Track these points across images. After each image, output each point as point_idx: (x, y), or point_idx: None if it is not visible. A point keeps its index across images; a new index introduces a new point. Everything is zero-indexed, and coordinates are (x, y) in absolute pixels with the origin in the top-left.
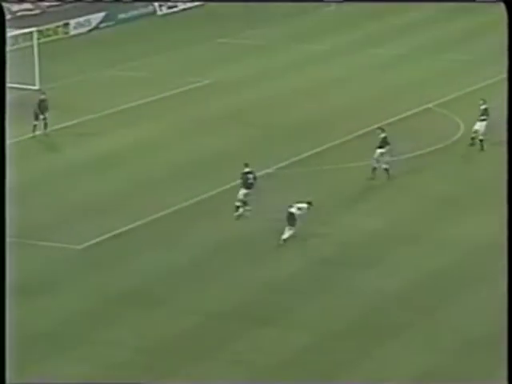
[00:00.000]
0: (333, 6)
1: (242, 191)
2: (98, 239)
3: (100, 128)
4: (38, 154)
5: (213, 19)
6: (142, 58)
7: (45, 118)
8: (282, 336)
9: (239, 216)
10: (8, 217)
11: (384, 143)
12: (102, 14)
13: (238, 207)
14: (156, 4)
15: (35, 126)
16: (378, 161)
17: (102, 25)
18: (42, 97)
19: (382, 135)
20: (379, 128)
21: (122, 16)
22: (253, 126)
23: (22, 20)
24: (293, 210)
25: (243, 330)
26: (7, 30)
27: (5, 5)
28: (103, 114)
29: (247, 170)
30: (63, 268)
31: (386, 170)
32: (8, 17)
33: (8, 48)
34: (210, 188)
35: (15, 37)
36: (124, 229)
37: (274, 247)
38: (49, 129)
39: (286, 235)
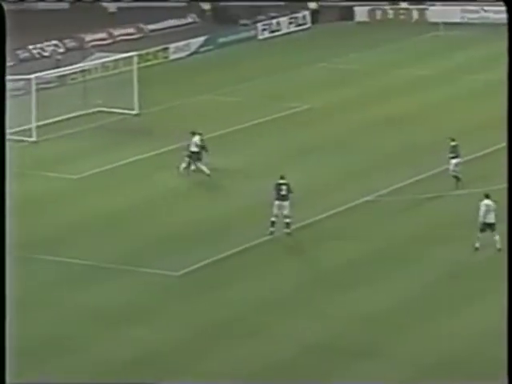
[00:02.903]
0: (441, 31)
1: (276, 203)
2: (196, 266)
3: None
4: (137, 179)
5: (315, 43)
6: (240, 83)
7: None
8: (382, 369)
9: (272, 232)
10: (108, 242)
11: (455, 152)
12: (202, 39)
13: (273, 222)
14: (259, 28)
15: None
16: (454, 170)
17: (202, 49)
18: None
19: (453, 144)
20: (450, 138)
21: (222, 40)
22: (353, 152)
23: (123, 44)
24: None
25: (342, 363)
26: (108, 54)
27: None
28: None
29: (282, 181)
30: (160, 295)
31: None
32: (109, 41)
33: (109, 72)
34: (308, 216)
35: (116, 61)
36: (222, 255)
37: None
38: (147, 154)
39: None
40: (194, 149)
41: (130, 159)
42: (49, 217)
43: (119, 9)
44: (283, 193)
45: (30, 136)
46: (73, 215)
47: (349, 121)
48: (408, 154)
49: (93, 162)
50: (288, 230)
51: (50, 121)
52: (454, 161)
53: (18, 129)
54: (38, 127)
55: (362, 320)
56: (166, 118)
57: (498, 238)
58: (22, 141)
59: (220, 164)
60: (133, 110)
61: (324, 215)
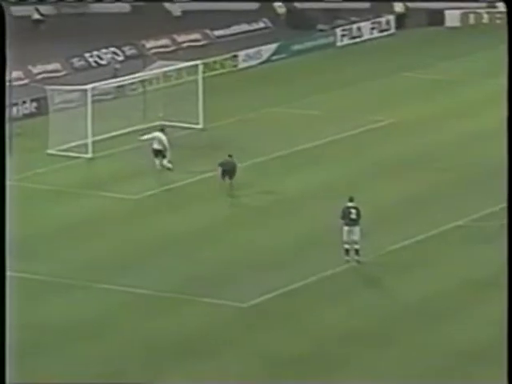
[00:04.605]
0: None
1: (345, 229)
2: (264, 297)
3: (269, 172)
4: (201, 200)
5: (400, 51)
6: (317, 94)
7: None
8: None
9: (348, 261)
10: (168, 269)
11: None
12: (274, 46)
13: (347, 250)
14: (338, 34)
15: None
16: None
17: (274, 57)
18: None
19: None
20: None
21: (297, 47)
22: (441, 171)
23: (187, 52)
24: None
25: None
26: (171, 62)
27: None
28: (273, 157)
29: (350, 204)
30: (225, 328)
31: None
32: (172, 48)
33: (172, 82)
34: (395, 241)
35: (180, 70)
36: (295, 286)
37: None
38: (212, 173)
39: None
40: (156, 146)
41: (194, 178)
42: (106, 241)
43: (184, 12)
44: (353, 217)
45: (86, 152)
46: (131, 239)
47: (437, 136)
48: (504, 173)
49: (153, 181)
50: (358, 258)
51: (107, 136)
52: None
53: (72, 144)
54: (94, 143)
55: (457, 355)
56: (234, 133)
57: None
58: (77, 157)
59: (290, 185)
60: (197, 124)
61: (408, 241)
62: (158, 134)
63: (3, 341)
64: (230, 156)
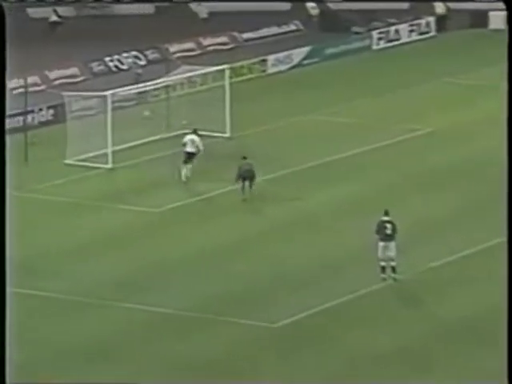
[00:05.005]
0: None
1: (380, 244)
2: (297, 316)
3: (300, 184)
4: (229, 214)
5: (440, 55)
6: (350, 101)
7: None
8: None
9: (384, 279)
10: (194, 286)
11: None
12: (306, 49)
13: (383, 267)
14: (374, 37)
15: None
16: None
17: (306, 61)
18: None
19: None
20: None
21: (329, 51)
22: (483, 182)
23: (213, 56)
24: None
25: None
26: (196, 67)
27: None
28: (304, 168)
29: (386, 218)
30: (254, 349)
31: None
32: (197, 52)
33: (197, 88)
34: (435, 257)
35: (205, 75)
36: (329, 305)
37: None
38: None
39: None
40: (189, 149)
41: (221, 190)
42: (126, 257)
43: (211, 14)
44: (388, 232)
45: (106, 162)
46: (153, 255)
47: (479, 145)
48: None
49: (177, 193)
50: (395, 275)
51: (128, 145)
52: None
53: (91, 154)
54: (115, 152)
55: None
56: (262, 143)
57: None
58: (96, 168)
59: (322, 197)
60: (224, 132)
61: (449, 258)
62: (191, 136)
63: (3, 341)
64: (244, 158)
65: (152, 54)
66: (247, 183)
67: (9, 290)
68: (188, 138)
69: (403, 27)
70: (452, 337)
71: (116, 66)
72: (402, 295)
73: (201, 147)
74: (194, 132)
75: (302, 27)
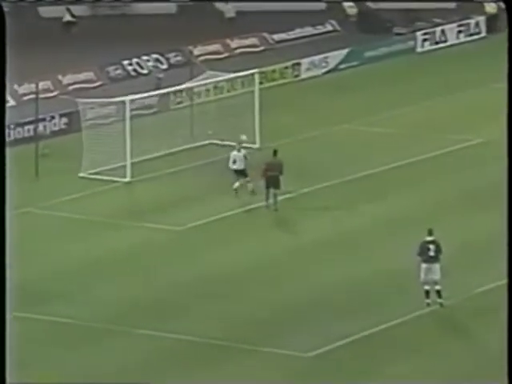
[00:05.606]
0: None
1: (423, 266)
2: (331, 346)
3: (337, 199)
4: (257, 233)
5: (490, 58)
6: (392, 109)
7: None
8: None
9: (428, 304)
10: (219, 313)
11: None
12: (343, 52)
13: (427, 292)
14: (419, 38)
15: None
16: None
17: (343, 65)
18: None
19: None
20: None
21: (369, 54)
22: None
23: (241, 59)
24: None
25: None
26: (223, 72)
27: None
28: (342, 181)
29: (429, 238)
30: (286, 381)
31: None
32: (224, 55)
33: (224, 94)
34: (484, 282)
35: (233, 81)
36: (368, 332)
37: None
38: (270, 200)
39: None
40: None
41: (250, 206)
42: (146, 279)
43: (239, 13)
44: (432, 254)
45: (123, 176)
46: (176, 277)
47: None
48: None
49: (201, 209)
50: (441, 300)
51: (148, 156)
52: None
53: (108, 167)
54: (133, 164)
55: None
56: (295, 154)
57: None
58: (114, 181)
59: (360, 214)
60: (254, 143)
61: (499, 282)
62: (235, 152)
63: (3, 341)
64: (275, 153)
65: (174, 58)
66: (272, 190)
67: (19, 314)
68: (232, 154)
69: (450, 28)
70: (501, 370)
71: (135, 71)
72: (449, 322)
73: (244, 160)
74: (239, 150)
75: (338, 28)
